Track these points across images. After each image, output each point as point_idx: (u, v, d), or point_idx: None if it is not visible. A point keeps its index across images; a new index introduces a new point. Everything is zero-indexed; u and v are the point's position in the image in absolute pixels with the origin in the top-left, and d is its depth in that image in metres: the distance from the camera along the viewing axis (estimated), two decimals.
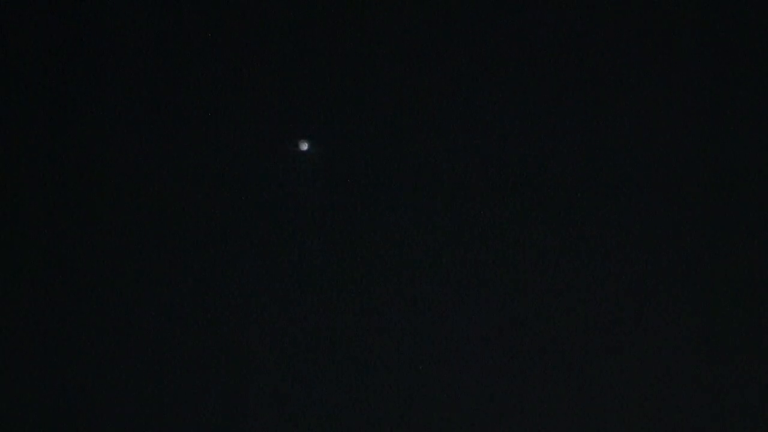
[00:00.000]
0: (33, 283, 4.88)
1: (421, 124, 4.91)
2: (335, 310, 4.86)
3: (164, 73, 4.94)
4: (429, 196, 4.88)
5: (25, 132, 4.93)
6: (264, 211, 4.90)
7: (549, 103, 4.89)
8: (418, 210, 4.88)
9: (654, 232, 4.84)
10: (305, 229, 4.89)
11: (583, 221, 4.85)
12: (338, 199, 4.90)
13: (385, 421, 4.81)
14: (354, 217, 4.89)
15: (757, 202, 4.82)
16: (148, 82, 4.95)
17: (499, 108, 4.90)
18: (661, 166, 4.86)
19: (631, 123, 4.88)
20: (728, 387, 4.76)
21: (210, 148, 4.92)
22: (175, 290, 4.87)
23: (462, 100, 4.90)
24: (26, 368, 4.85)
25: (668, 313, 4.80)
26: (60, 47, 4.95)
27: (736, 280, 4.80)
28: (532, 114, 4.90)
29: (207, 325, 4.87)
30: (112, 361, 4.85)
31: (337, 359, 4.84)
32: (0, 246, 4.89)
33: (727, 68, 4.87)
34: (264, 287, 4.88)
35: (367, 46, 4.92)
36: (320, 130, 4.91)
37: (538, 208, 4.86)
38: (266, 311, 4.87)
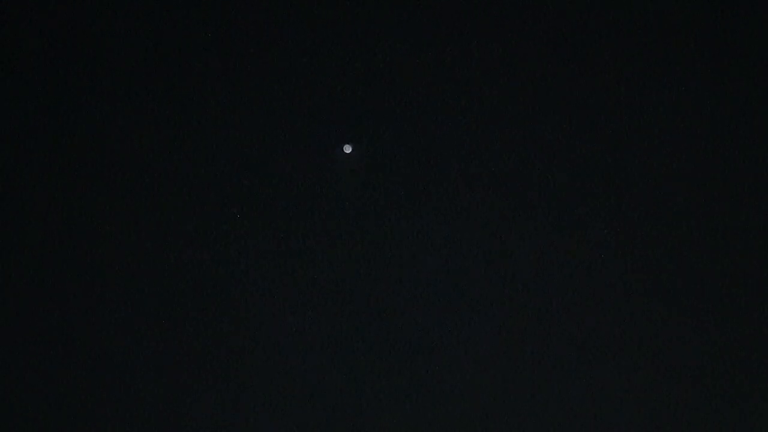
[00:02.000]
0: (34, 284, 4.88)
1: (426, 125, 4.93)
2: (336, 311, 4.88)
3: (183, 72, 4.96)
4: (429, 197, 4.90)
5: (42, 135, 4.95)
6: (266, 211, 4.91)
7: (550, 105, 4.91)
8: (419, 212, 4.90)
9: (653, 233, 4.86)
10: (307, 229, 4.90)
11: (584, 223, 4.87)
12: (339, 197, 4.91)
13: (387, 422, 4.83)
14: (356, 217, 4.90)
15: (757, 202, 4.84)
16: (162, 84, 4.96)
17: (501, 109, 4.92)
18: (661, 168, 4.88)
19: (630, 124, 4.90)
20: (728, 387, 4.78)
21: (212, 148, 4.93)
22: (178, 291, 4.88)
23: (466, 106, 4.92)
24: (27, 368, 4.85)
25: (667, 314, 4.83)
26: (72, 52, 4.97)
27: (735, 281, 4.82)
28: (534, 115, 4.91)
29: (209, 326, 4.88)
30: (114, 361, 4.86)
31: (340, 361, 4.85)
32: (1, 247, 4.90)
33: (726, 73, 4.89)
34: (267, 287, 4.89)
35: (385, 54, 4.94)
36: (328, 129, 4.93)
37: (539, 209, 4.87)
38: (269, 312, 4.88)
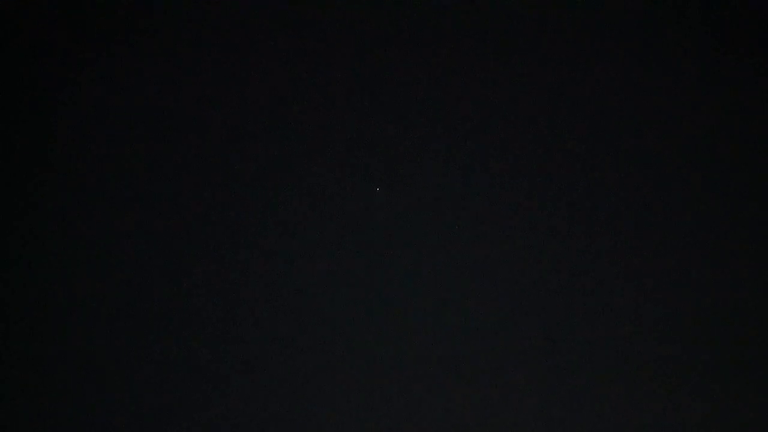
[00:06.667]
0: (36, 285, 4.90)
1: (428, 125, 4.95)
2: (337, 312, 4.89)
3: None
4: (429, 197, 4.91)
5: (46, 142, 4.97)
6: (269, 212, 4.93)
7: (551, 105, 4.92)
8: (418, 212, 4.91)
9: (652, 235, 4.87)
10: (307, 230, 4.92)
11: (586, 223, 4.88)
12: (341, 198, 4.93)
13: (388, 422, 4.83)
14: (359, 218, 4.92)
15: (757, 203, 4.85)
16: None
17: (505, 111, 4.94)
18: (661, 168, 4.90)
19: (631, 125, 4.91)
20: (728, 387, 4.78)
21: (219, 151, 4.95)
22: (182, 292, 4.90)
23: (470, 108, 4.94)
24: (28, 369, 4.86)
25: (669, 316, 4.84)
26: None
27: (737, 283, 4.82)
28: (535, 116, 4.93)
29: (212, 327, 4.89)
30: (115, 361, 4.87)
31: (340, 361, 4.86)
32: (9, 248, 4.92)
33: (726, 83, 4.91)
34: (268, 288, 4.90)
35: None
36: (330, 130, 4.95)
37: (540, 209, 4.88)
38: (271, 312, 4.89)
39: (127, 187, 4.92)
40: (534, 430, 4.79)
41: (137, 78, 4.97)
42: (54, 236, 4.90)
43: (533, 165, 4.90)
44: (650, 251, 4.84)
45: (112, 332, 4.86)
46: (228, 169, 4.93)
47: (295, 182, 4.92)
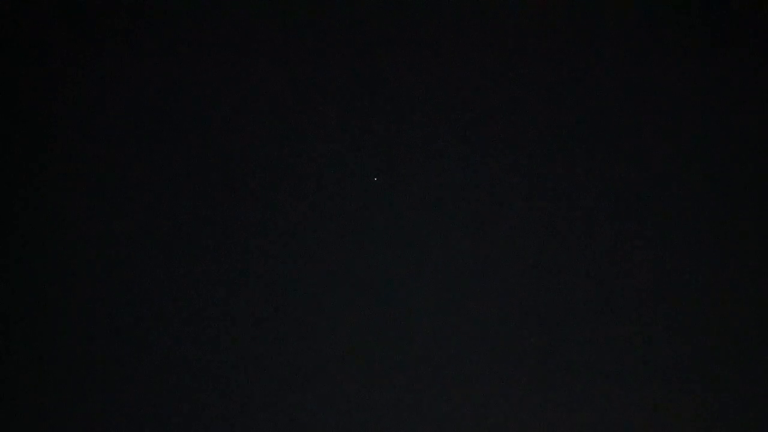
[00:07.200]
0: (36, 285, 4.90)
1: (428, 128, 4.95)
2: (336, 312, 4.89)
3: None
4: (430, 199, 4.91)
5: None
6: (267, 211, 4.93)
7: (552, 103, 4.93)
8: (417, 214, 4.91)
9: (651, 235, 4.87)
10: (307, 228, 4.92)
11: (586, 224, 4.88)
12: (341, 198, 4.93)
13: (387, 422, 4.83)
14: (357, 218, 4.92)
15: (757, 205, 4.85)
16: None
17: (505, 110, 4.94)
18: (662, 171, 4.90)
19: (632, 124, 4.91)
20: (728, 389, 4.78)
21: (214, 148, 4.96)
22: (178, 292, 4.90)
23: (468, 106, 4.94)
24: (28, 369, 4.86)
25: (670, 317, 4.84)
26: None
27: (736, 284, 4.82)
28: (536, 114, 4.93)
29: (210, 326, 4.89)
30: (113, 361, 4.87)
31: (338, 361, 4.86)
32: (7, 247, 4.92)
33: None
34: (266, 287, 4.90)
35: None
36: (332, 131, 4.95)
37: (541, 208, 4.88)
38: (268, 312, 4.89)
39: (127, 187, 4.93)
40: (534, 429, 4.79)
41: (137, 77, 4.97)
42: (53, 236, 4.91)
43: (534, 162, 4.90)
44: (651, 251, 4.84)
45: (111, 332, 4.87)
46: (226, 165, 4.94)
47: (294, 177, 4.93)
